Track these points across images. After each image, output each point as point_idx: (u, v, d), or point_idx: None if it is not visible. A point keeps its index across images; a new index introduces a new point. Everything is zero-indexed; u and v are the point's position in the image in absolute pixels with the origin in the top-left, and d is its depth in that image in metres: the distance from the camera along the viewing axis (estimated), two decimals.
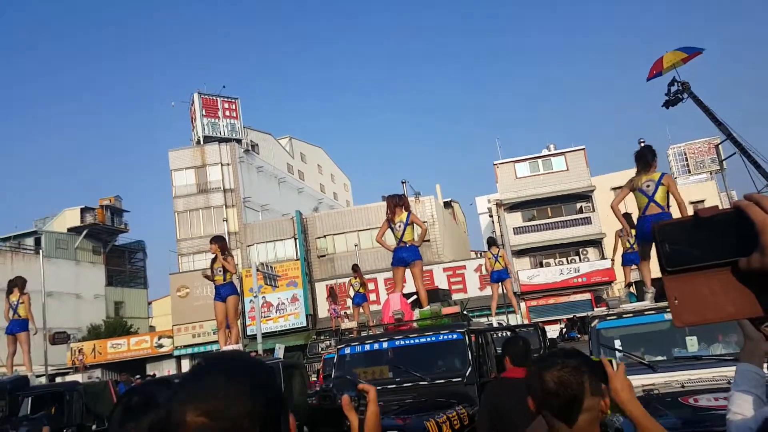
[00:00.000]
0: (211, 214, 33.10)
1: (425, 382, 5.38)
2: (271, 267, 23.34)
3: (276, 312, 28.83)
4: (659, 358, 4.47)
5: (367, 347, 5.95)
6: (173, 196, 33.64)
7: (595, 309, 6.16)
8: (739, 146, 17.34)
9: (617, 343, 4.60)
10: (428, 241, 27.25)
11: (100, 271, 39.73)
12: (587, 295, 24.98)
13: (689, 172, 38.15)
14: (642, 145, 5.56)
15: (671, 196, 5.44)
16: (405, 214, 6.84)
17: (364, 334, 6.42)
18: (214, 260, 7.53)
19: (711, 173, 35.48)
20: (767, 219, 0.75)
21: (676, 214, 5.83)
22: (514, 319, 13.36)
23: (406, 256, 6.71)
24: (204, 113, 34.69)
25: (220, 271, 7.43)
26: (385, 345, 5.74)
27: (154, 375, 23.51)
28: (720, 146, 25.58)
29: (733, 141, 17.66)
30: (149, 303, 44.34)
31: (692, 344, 4.45)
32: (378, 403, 4.96)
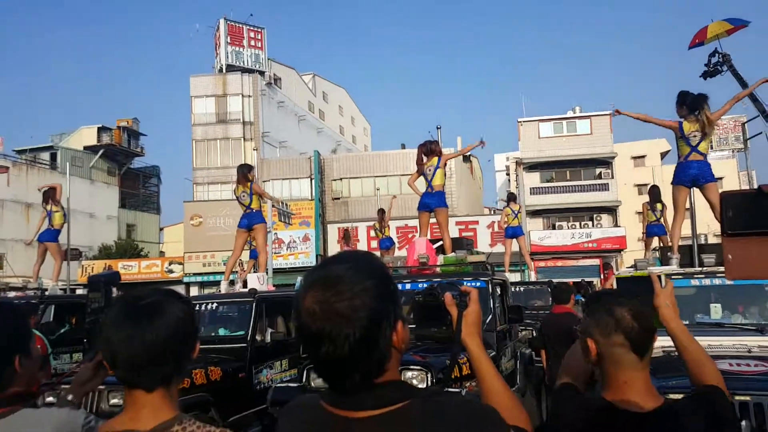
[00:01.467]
0: (228, 146, 33.05)
1: (445, 327, 5.57)
2: (286, 204, 23.52)
3: (287, 249, 29.30)
4: (682, 322, 4.58)
5: None
6: (192, 123, 33.45)
7: (622, 269, 6.29)
8: None
9: None
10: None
11: (114, 192, 40.20)
12: (596, 261, 25.12)
13: (712, 148, 37.25)
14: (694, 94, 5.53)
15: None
16: (436, 159, 6.80)
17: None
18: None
19: (733, 151, 34.64)
20: None
21: (710, 160, 5.87)
22: (527, 277, 13.53)
23: (429, 201, 6.72)
24: (229, 41, 33.89)
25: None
26: (408, 287, 5.89)
27: None
28: (746, 125, 24.87)
29: (766, 118, 17.17)
30: (161, 229, 45.13)
31: (716, 312, 4.53)
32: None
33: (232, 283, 7.74)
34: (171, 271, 30.98)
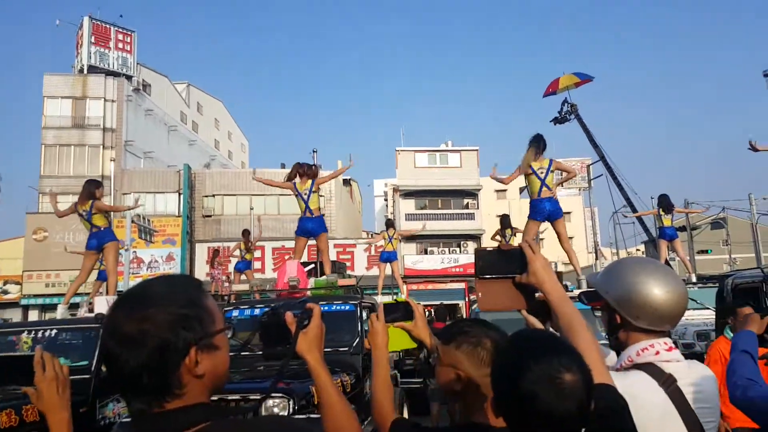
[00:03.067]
0: (85, 153, 29.87)
1: (290, 344, 5.45)
2: (148, 220, 21.78)
3: (147, 269, 27.02)
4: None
5: (257, 311, 5.88)
6: (42, 126, 29.76)
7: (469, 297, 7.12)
8: (609, 168, 19.45)
9: None
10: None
11: None
12: (462, 285, 26.80)
13: (561, 186, 42.24)
14: (537, 133, 6.45)
15: (560, 174, 6.55)
16: (309, 182, 6.80)
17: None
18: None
19: (580, 189, 39.48)
20: (532, 256, 1.34)
21: (560, 196, 6.85)
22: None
23: (312, 227, 6.70)
24: (93, 41, 30.96)
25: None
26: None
27: None
28: (590, 167, 28.55)
29: (604, 163, 19.76)
30: None
31: (602, 330, 5.06)
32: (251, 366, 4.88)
33: (75, 306, 6.87)
34: (5, 292, 27.13)
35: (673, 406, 1.31)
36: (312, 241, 7.19)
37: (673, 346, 1.41)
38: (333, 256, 25.51)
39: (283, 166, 32.67)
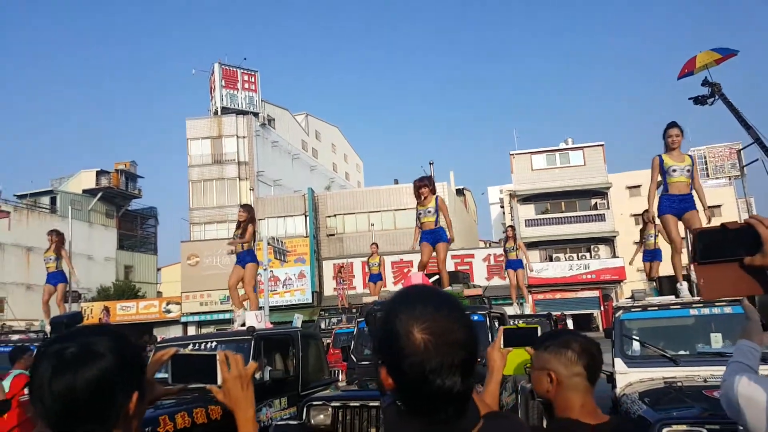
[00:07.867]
0: (224, 186, 33.31)
1: None
2: (281, 242, 23.48)
3: (283, 287, 29.11)
4: (682, 352, 4.47)
5: None
6: (188, 165, 33.86)
7: (621, 300, 6.35)
8: (766, 151, 16.97)
9: (639, 335, 4.65)
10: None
11: (112, 234, 40.25)
12: (596, 293, 24.94)
13: (708, 176, 37.61)
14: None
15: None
16: (433, 199, 6.71)
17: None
18: (238, 226, 7.59)
19: (730, 178, 34.93)
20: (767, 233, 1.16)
21: (706, 187, 6.05)
22: (525, 310, 13.39)
23: (432, 238, 6.65)
24: (224, 84, 34.69)
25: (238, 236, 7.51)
26: None
27: (162, 339, 23.77)
28: (741, 152, 25.13)
29: (761, 145, 17.30)
30: (158, 269, 44.91)
31: (716, 341, 4.45)
32: None
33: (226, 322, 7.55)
34: (169, 311, 30.88)
35: None
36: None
37: None
38: (451, 267, 25.44)
39: (396, 182, 33.43)
